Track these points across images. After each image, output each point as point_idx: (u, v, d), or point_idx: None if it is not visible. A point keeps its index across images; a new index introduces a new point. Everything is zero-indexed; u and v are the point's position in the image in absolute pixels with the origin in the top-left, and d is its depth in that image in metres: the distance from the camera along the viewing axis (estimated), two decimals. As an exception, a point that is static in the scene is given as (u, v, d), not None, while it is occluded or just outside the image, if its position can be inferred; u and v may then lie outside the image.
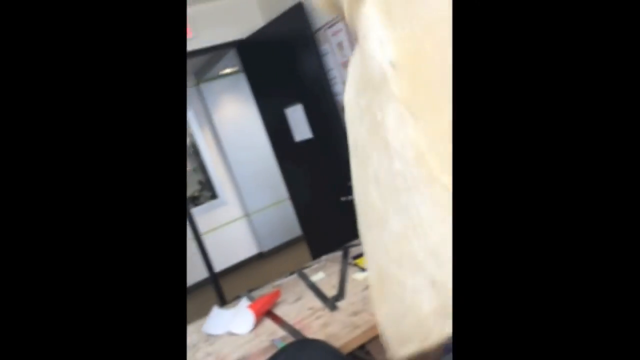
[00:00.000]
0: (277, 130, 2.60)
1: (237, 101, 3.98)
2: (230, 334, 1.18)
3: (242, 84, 3.18)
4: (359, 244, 1.75)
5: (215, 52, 2.59)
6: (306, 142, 2.37)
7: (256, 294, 1.39)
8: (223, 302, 2.40)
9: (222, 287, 2.58)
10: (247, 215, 4.01)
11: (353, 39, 0.36)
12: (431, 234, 0.28)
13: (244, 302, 1.27)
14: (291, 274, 1.51)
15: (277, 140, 2.68)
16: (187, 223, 2.38)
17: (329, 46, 2.16)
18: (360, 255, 1.60)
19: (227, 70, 3.89)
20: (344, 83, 2.15)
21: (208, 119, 3.99)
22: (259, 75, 2.59)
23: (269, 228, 3.96)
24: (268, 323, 1.14)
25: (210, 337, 1.22)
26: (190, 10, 2.25)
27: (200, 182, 4.51)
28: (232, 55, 2.82)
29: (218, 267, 3.08)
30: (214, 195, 4.01)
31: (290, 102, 2.37)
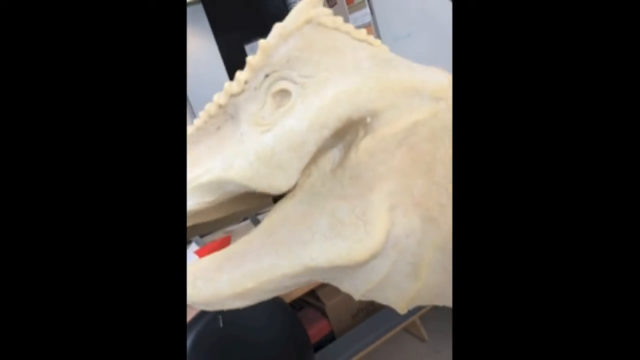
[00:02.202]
0: (237, 68, 2.46)
1: (196, 35, 3.73)
2: (177, 279, 1.15)
3: (201, 15, 2.96)
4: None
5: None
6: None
7: (207, 239, 1.35)
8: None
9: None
10: (208, 157, 3.92)
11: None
12: None
13: (192, 247, 1.23)
14: (244, 219, 1.48)
15: (237, 79, 2.55)
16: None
17: (293, -23, 2.00)
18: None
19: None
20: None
21: (165, 54, 3.74)
22: (218, 7, 2.40)
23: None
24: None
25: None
26: None
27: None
28: (188, -18, 2.59)
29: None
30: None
31: (251, 38, 2.22)
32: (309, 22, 0.28)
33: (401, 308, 0.33)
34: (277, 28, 0.29)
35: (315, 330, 1.46)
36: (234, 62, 2.50)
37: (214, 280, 0.30)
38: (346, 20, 1.79)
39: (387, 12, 1.56)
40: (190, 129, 0.31)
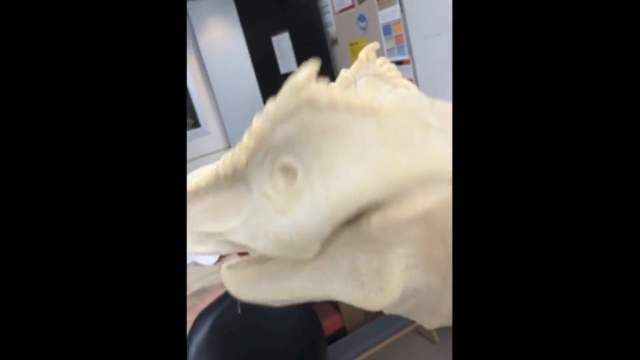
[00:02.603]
0: (263, 60, 2.47)
1: (225, 25, 3.75)
2: (195, 263, 1.17)
3: (230, 6, 2.97)
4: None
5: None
6: (291, 75, 2.26)
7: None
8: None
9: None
10: (229, 147, 3.94)
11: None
12: None
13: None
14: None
15: (262, 70, 2.56)
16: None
17: (324, -30, 1.99)
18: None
19: (215, -10, 3.61)
20: (335, 13, 2.01)
21: (193, 42, 3.77)
22: (247, -3, 2.41)
23: (251, 161, 3.92)
24: (236, 257, 1.13)
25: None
26: None
27: (182, 109, 4.36)
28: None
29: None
30: (196, 124, 3.90)
31: (278, 29, 2.22)
32: (302, 105, 0.25)
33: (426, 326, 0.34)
34: (269, 110, 0.27)
35: (328, 324, 1.47)
36: (260, 53, 2.50)
37: (254, 289, 0.33)
38: (375, 16, 1.75)
39: (417, 10, 1.54)
40: (203, 182, 0.31)
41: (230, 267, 0.33)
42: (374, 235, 0.26)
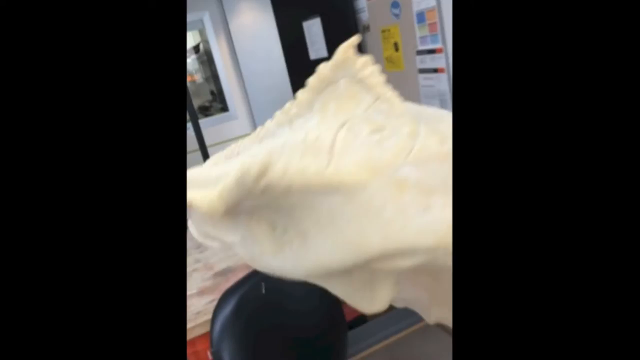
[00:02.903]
0: (293, 45, 2.46)
1: (256, 9, 3.75)
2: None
3: (262, -10, 2.97)
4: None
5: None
6: (321, 61, 2.24)
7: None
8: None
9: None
10: (256, 131, 3.97)
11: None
12: None
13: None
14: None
15: (291, 56, 2.55)
16: (194, 134, 2.36)
17: (358, -46, 1.95)
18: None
19: (248, -27, 3.61)
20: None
21: (224, 26, 3.79)
22: (280, -19, 2.40)
23: (277, 147, 3.94)
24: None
25: (201, 245, 1.25)
26: None
27: (212, 93, 4.42)
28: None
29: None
30: (224, 108, 3.95)
31: (309, 15, 2.21)
32: (257, 193, 0.24)
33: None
34: (229, 189, 0.26)
35: (348, 310, 1.48)
36: (290, 38, 2.50)
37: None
38: (409, 3, 1.70)
39: (453, -3, 1.50)
40: (199, 201, 0.30)
41: None
42: None
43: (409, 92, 1.92)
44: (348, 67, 0.27)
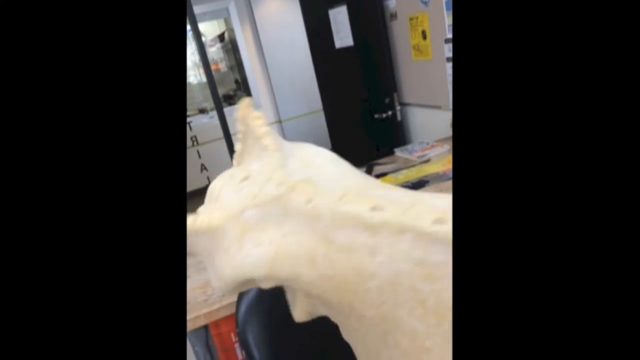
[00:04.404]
0: (318, 33, 2.44)
1: (282, -3, 3.74)
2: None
3: (288, -23, 2.95)
4: (383, 163, 1.71)
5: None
6: (346, 50, 2.22)
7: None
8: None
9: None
10: (279, 121, 3.98)
11: None
12: None
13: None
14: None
15: (316, 44, 2.53)
16: (219, 122, 2.38)
17: (386, -61, 1.91)
18: (383, 175, 1.56)
19: (274, -39, 3.59)
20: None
21: (249, 14, 3.79)
22: (306, -32, 2.37)
23: (299, 138, 3.91)
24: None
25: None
26: None
27: (236, 82, 4.45)
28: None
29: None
30: (248, 96, 3.98)
31: (335, 3, 2.18)
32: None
33: None
34: None
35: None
36: (315, 27, 2.47)
37: None
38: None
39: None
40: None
41: None
42: None
43: (437, 82, 1.88)
44: (247, 123, 0.31)
